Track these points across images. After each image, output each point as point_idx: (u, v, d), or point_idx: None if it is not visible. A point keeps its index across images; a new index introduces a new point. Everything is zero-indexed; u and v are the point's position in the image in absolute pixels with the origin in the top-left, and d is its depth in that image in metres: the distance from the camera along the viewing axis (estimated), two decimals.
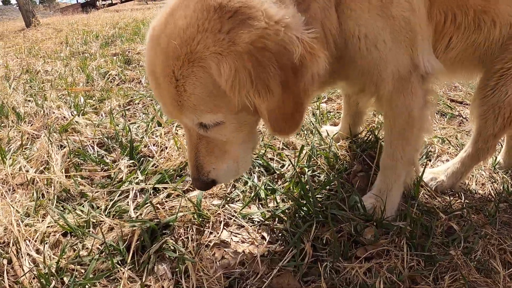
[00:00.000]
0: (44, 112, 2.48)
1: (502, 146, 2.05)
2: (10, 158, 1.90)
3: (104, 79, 3.32)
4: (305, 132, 1.97)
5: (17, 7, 12.67)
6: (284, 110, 1.04)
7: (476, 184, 1.85)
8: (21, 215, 1.42)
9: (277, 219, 1.32)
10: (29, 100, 2.95)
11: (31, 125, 2.41)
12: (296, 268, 1.13)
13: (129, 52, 4.62)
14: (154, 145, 1.76)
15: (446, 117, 2.53)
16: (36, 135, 2.21)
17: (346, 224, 1.28)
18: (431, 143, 2.11)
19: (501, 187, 1.80)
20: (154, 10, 16.94)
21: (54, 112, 2.42)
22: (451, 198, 1.62)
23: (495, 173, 1.96)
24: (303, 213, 1.32)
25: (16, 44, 7.33)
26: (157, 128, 1.98)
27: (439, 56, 1.49)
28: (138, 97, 2.65)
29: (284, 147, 1.82)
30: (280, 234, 1.27)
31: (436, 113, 2.61)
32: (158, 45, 1.03)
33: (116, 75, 3.46)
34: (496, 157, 2.03)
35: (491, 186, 1.84)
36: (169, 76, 1.01)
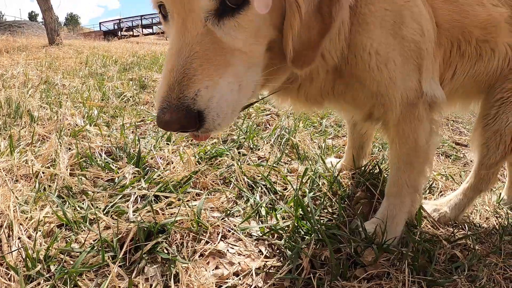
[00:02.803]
0: (58, 118, 2.55)
1: (505, 183, 2.14)
2: (18, 152, 1.95)
3: (119, 99, 3.43)
4: (310, 162, 2.03)
5: (43, 25, 13.28)
6: (309, 33, 0.97)
7: (480, 218, 1.89)
8: (19, 202, 1.45)
9: (275, 235, 1.34)
10: (44, 107, 3.05)
11: (43, 127, 2.48)
12: (292, 283, 1.14)
13: (145, 78, 4.80)
14: (161, 158, 1.81)
15: (451, 158, 2.62)
16: (47, 137, 2.27)
17: (346, 245, 1.29)
18: (435, 179, 2.16)
19: (506, 222, 1.83)
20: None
21: (67, 119, 2.49)
22: (454, 229, 1.65)
23: (499, 208, 2.01)
24: (302, 232, 1.34)
25: (38, 58, 7.62)
26: (166, 143, 2.04)
27: (446, 85, 1.57)
28: (150, 118, 2.74)
29: (288, 172, 1.87)
30: (277, 250, 1.27)
31: (441, 155, 2.73)
32: None
33: (130, 97, 3.57)
34: (500, 194, 2.10)
35: (495, 220, 1.88)
36: None
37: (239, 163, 1.75)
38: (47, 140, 2.19)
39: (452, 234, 1.58)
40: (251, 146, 2.09)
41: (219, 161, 1.83)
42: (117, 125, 2.59)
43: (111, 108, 3.06)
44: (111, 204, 1.44)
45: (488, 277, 1.32)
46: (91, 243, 1.24)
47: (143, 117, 2.79)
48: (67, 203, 1.44)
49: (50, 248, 1.20)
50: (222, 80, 0.88)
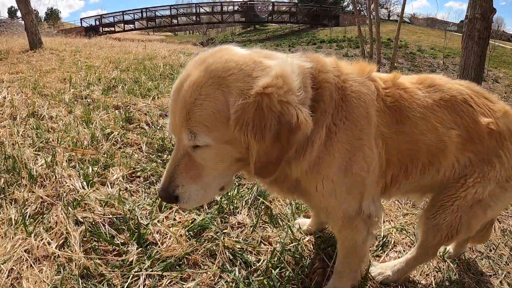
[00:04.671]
0: (56, 178, 2.85)
1: None
2: (30, 225, 2.27)
3: (108, 141, 3.71)
4: (281, 224, 2.44)
5: (22, 21, 13.09)
6: (269, 156, 1.32)
7: (420, 275, 2.24)
8: (51, 283, 1.82)
9: None
10: (38, 154, 3.31)
11: (44, 187, 2.77)
12: None
13: (129, 107, 5.03)
14: (157, 233, 2.19)
15: (411, 201, 3.01)
16: (50, 202, 2.58)
17: None
18: (389, 233, 2.54)
19: (444, 276, 2.23)
20: (155, 43, 17.56)
21: (66, 182, 2.79)
22: None
23: (443, 261, 2.39)
24: None
25: (21, 71, 7.72)
26: (158, 213, 2.42)
27: (392, 192, 1.86)
28: (139, 170, 3.07)
29: (262, 240, 2.28)
30: None
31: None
32: (200, 64, 1.36)
33: (119, 137, 3.85)
34: (445, 248, 2.43)
35: (434, 276, 2.24)
36: (194, 89, 1.30)
37: (221, 237, 2.18)
38: (53, 206, 2.51)
39: None
40: (232, 209, 2.49)
41: (206, 234, 2.24)
42: (111, 178, 2.91)
43: (102, 156, 3.34)
44: (126, 284, 1.82)
45: None
46: None
47: (134, 168, 3.12)
48: (91, 285, 1.81)
49: None
50: (193, 185, 1.44)
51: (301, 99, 1.35)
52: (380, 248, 2.40)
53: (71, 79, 6.69)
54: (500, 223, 3.12)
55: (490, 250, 2.73)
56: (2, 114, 4.53)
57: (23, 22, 13.04)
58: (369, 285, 2.05)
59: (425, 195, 2.02)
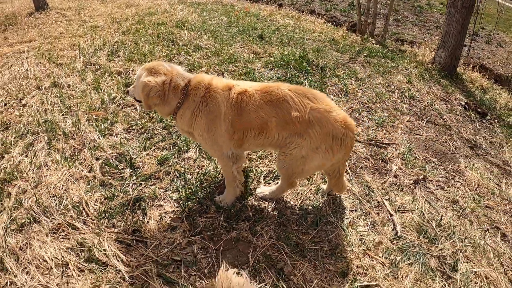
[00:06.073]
0: (81, 133, 4.43)
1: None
2: (70, 162, 3.93)
3: (113, 104, 5.19)
4: (213, 159, 4.04)
5: None
6: (146, 103, 2.85)
7: (292, 198, 3.40)
8: (84, 190, 3.51)
9: (181, 199, 3.46)
10: (65, 117, 4.78)
11: (74, 139, 4.35)
12: (181, 215, 3.26)
13: (129, 73, 6.37)
14: (141, 162, 3.84)
15: None
16: (79, 148, 4.20)
17: (206, 205, 3.40)
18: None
19: (310, 203, 3.39)
20: None
21: (88, 135, 4.36)
22: (265, 203, 3.49)
23: (316, 194, 3.48)
24: (191, 198, 3.45)
25: (33, 39, 8.49)
26: (143, 152, 4.06)
27: (246, 147, 2.99)
28: (134, 125, 4.65)
29: (198, 167, 3.92)
30: (181, 205, 3.40)
31: None
32: (150, 63, 2.99)
33: (120, 100, 5.33)
34: (319, 186, 3.57)
35: (302, 202, 3.34)
36: (139, 69, 2.95)
37: (175, 164, 3.85)
38: (81, 151, 4.13)
39: (258, 205, 3.46)
40: (186, 149, 4.12)
41: (166, 163, 3.91)
42: (116, 130, 4.50)
43: (109, 115, 4.83)
44: (123, 187, 3.51)
45: (261, 227, 3.19)
46: (118, 204, 3.33)
47: (130, 123, 4.68)
48: (105, 189, 3.50)
49: (105, 205, 3.30)
50: (131, 88, 3.11)
51: (166, 93, 2.85)
52: (273, 179, 3.72)
53: (79, 46, 7.44)
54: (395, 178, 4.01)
55: (365, 195, 3.50)
56: (30, 86, 5.58)
57: None
58: (253, 197, 3.46)
59: (275, 149, 3.01)
